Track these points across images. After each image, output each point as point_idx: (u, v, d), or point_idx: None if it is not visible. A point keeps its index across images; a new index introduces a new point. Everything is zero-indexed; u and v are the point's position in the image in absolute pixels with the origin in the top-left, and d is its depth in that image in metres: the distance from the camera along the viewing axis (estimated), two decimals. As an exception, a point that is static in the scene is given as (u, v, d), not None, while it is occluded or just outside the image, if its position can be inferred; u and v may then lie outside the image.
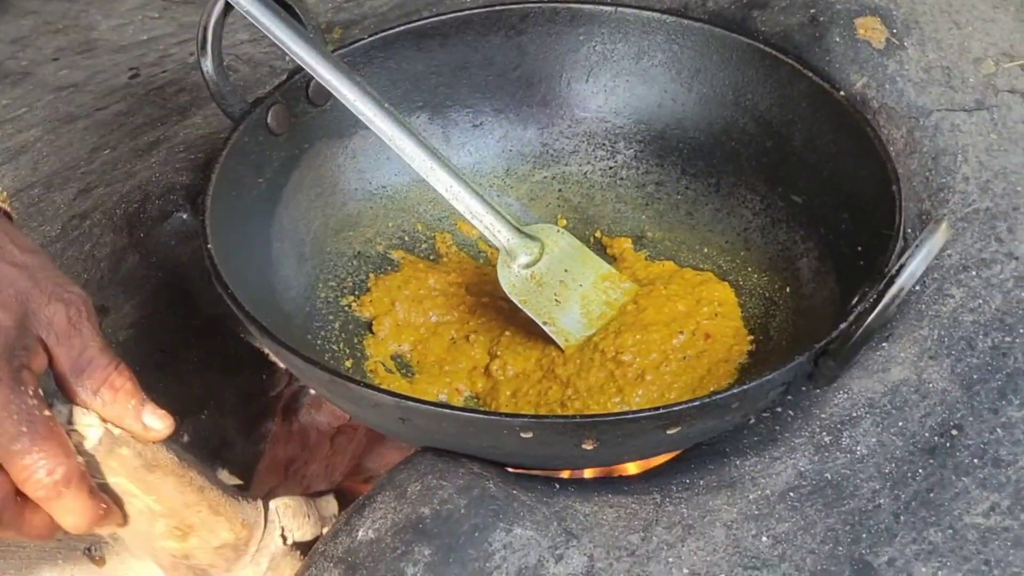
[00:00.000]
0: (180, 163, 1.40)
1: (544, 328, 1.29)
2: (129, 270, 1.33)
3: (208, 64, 1.26)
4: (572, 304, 1.31)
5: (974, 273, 1.25)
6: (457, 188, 1.26)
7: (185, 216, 1.34)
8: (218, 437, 1.37)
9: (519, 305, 1.29)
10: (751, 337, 1.32)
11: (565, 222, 1.48)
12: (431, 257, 1.45)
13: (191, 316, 1.34)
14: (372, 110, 1.24)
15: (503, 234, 1.29)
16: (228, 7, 1.25)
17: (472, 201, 1.26)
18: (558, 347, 1.30)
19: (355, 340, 1.35)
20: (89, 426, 0.98)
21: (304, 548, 1.14)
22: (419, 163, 1.25)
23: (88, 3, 1.85)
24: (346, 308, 1.37)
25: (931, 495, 1.10)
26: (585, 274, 1.33)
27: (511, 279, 1.30)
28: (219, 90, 1.27)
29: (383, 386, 1.29)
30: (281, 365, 1.42)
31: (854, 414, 1.18)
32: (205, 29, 1.26)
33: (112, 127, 1.51)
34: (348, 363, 1.32)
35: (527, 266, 1.30)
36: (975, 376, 1.18)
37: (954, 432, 1.15)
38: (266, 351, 1.39)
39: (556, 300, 1.31)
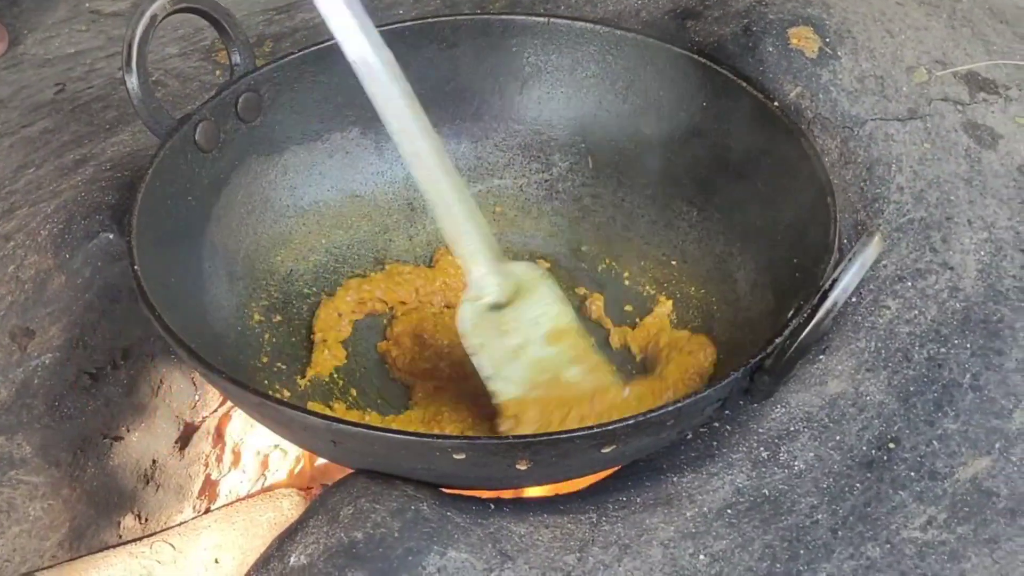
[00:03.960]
0: (106, 181, 1.37)
1: (485, 381, 1.23)
2: (55, 292, 1.30)
3: (133, 80, 1.24)
4: (525, 360, 1.24)
5: (909, 284, 1.25)
6: (450, 199, 1.17)
7: (111, 236, 1.32)
8: (149, 459, 1.35)
9: (470, 352, 1.22)
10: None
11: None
12: (366, 273, 1.43)
13: (119, 338, 1.31)
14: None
15: (480, 265, 1.21)
16: (154, 21, 1.23)
17: (462, 219, 1.18)
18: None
19: (289, 360, 1.33)
20: None
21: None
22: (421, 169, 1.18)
23: (14, 16, 1.82)
24: (279, 327, 1.35)
25: (868, 509, 1.10)
26: (549, 330, 1.24)
27: (472, 318, 1.23)
28: (145, 107, 1.25)
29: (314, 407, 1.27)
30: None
31: (792, 428, 1.17)
32: (130, 45, 1.23)
33: (37, 145, 1.49)
34: (278, 385, 1.30)
35: (493, 308, 1.23)
36: (911, 388, 1.18)
37: (891, 445, 1.14)
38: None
39: (514, 353, 1.23)
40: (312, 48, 1.39)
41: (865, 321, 1.24)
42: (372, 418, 1.30)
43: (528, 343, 1.23)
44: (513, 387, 1.22)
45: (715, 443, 1.18)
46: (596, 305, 1.40)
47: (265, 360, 1.31)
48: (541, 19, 1.44)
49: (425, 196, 1.20)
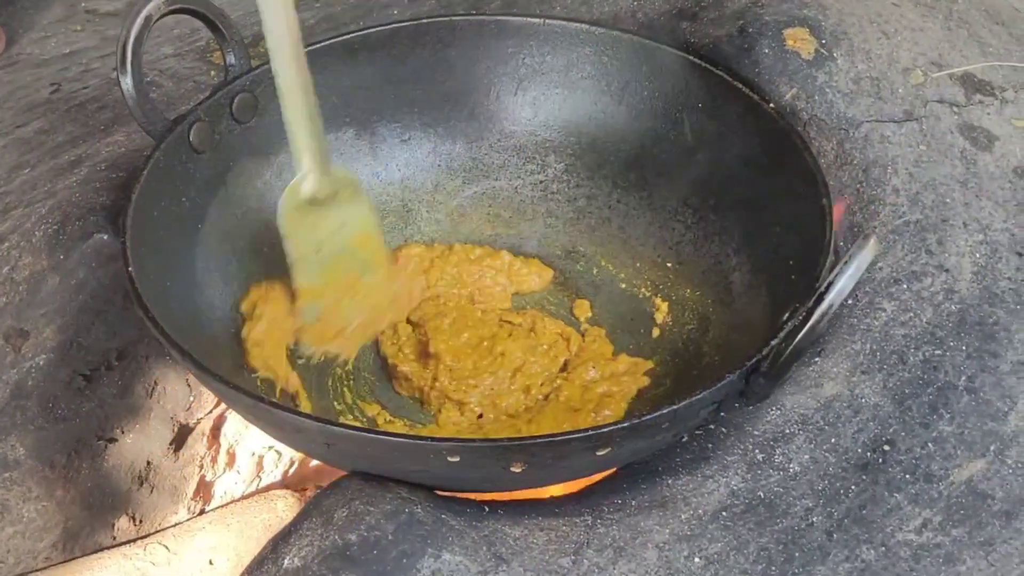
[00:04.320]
0: (101, 182, 1.37)
1: (289, 266, 1.26)
2: (49, 293, 1.30)
3: (128, 81, 1.23)
4: (327, 254, 1.28)
5: (905, 286, 1.25)
6: (298, 94, 1.17)
7: (106, 237, 1.31)
8: (143, 461, 1.34)
9: (282, 235, 1.24)
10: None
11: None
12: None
13: (113, 339, 1.30)
14: None
15: (308, 159, 1.22)
16: (149, 22, 1.22)
17: (304, 114, 1.18)
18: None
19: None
20: None
21: None
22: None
23: (9, 15, 1.81)
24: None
25: (864, 512, 1.10)
26: (355, 234, 1.29)
27: (289, 206, 1.23)
28: (139, 108, 1.25)
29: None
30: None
31: (787, 431, 1.17)
32: (124, 46, 1.23)
33: (32, 145, 1.48)
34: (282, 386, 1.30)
35: (311, 201, 1.24)
36: (907, 390, 1.18)
37: (886, 447, 1.14)
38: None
39: (318, 246, 1.27)
40: (307, 48, 1.36)
41: (860, 323, 1.24)
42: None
43: (332, 241, 1.27)
44: (311, 277, 1.27)
45: (710, 445, 1.18)
46: (582, 309, 1.41)
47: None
48: (536, 20, 1.43)
49: (277, 85, 1.17)
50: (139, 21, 1.23)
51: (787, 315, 1.07)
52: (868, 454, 1.14)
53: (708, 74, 1.36)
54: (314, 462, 1.52)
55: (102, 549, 1.32)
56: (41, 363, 1.27)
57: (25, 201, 1.38)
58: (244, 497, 1.46)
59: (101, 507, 1.32)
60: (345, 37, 1.40)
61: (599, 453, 1.03)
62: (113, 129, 1.49)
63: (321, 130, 1.21)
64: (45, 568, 1.27)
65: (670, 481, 1.15)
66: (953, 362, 1.19)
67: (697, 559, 1.06)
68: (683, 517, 1.10)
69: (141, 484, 1.36)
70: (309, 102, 1.18)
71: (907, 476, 1.12)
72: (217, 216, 1.33)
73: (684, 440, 1.19)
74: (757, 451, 1.16)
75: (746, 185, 1.33)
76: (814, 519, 1.09)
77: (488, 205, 1.48)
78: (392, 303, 1.35)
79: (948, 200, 1.31)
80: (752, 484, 1.13)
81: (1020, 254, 1.28)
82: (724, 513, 1.10)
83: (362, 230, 1.30)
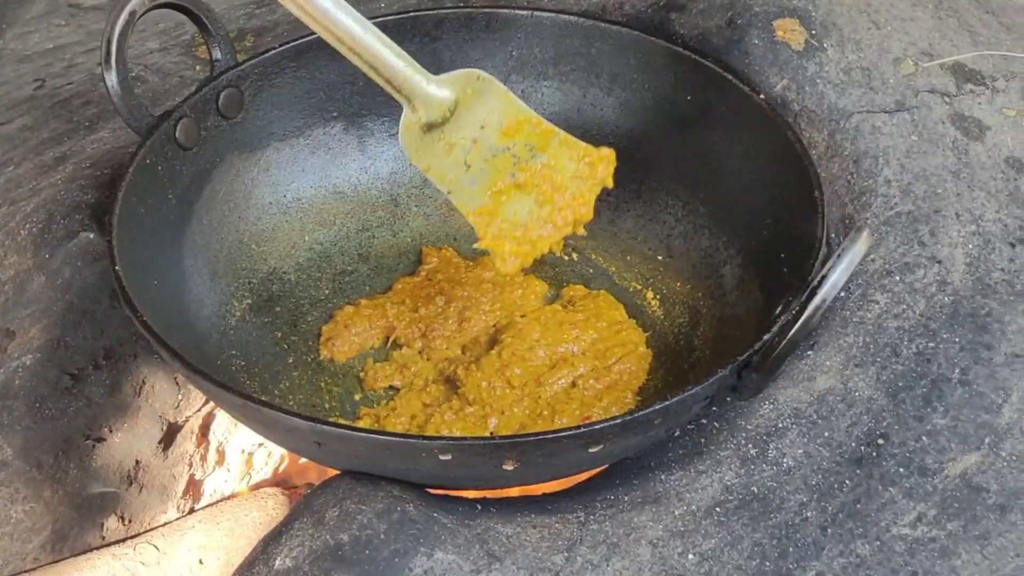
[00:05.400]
0: (86, 180, 1.35)
1: (448, 197, 1.21)
2: (35, 292, 1.28)
3: (112, 77, 1.22)
4: (478, 167, 1.20)
5: (898, 278, 1.24)
6: (354, 30, 1.10)
7: (92, 235, 1.30)
8: (132, 460, 1.34)
9: (423, 171, 1.19)
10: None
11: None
12: (348, 268, 1.42)
13: (100, 338, 1.29)
14: None
15: (407, 84, 1.14)
16: (133, 17, 1.21)
17: (369, 39, 1.11)
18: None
19: (273, 359, 1.32)
20: None
21: None
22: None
23: (-7, 11, 1.80)
24: (263, 326, 1.34)
25: (858, 506, 1.09)
26: (499, 127, 1.20)
27: (413, 139, 1.17)
28: (124, 104, 1.24)
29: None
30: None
31: (780, 425, 1.16)
32: (109, 41, 1.22)
33: (16, 142, 1.47)
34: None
35: (433, 127, 1.17)
36: (900, 383, 1.17)
37: (880, 441, 1.14)
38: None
39: (466, 164, 1.19)
40: (293, 43, 1.38)
41: (853, 316, 1.23)
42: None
43: (479, 149, 1.20)
44: (476, 199, 1.21)
45: (703, 440, 1.17)
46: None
47: (248, 359, 1.30)
48: (524, 12, 1.42)
49: (329, 41, 1.12)
50: (123, 16, 1.22)
51: (779, 309, 1.06)
52: (862, 448, 1.13)
53: (697, 66, 1.35)
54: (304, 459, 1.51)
55: (91, 549, 1.31)
56: (28, 363, 1.26)
57: (9, 199, 1.36)
58: (234, 495, 1.46)
59: (90, 507, 1.31)
60: (332, 31, 1.39)
61: (591, 450, 1.03)
62: (98, 126, 1.48)
63: (400, 52, 1.14)
64: (34, 569, 1.26)
65: (663, 477, 1.14)
66: (946, 354, 1.19)
67: (691, 555, 1.06)
68: (676, 513, 1.10)
69: (130, 483, 1.35)
70: (373, 32, 1.11)
71: (901, 470, 1.11)
72: (204, 213, 1.32)
73: (676, 435, 1.18)
74: (750, 446, 1.15)
75: (736, 177, 1.33)
76: (808, 514, 1.09)
77: (478, 199, 1.47)
78: (577, 177, 1.24)
79: (940, 191, 1.30)
80: (745, 479, 1.12)
81: (1013, 244, 1.27)
82: (718, 509, 1.10)
83: (507, 118, 1.21)
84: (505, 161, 1.21)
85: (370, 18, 1.36)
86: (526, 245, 1.23)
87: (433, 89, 1.16)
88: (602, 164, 1.24)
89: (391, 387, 1.32)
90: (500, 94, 1.20)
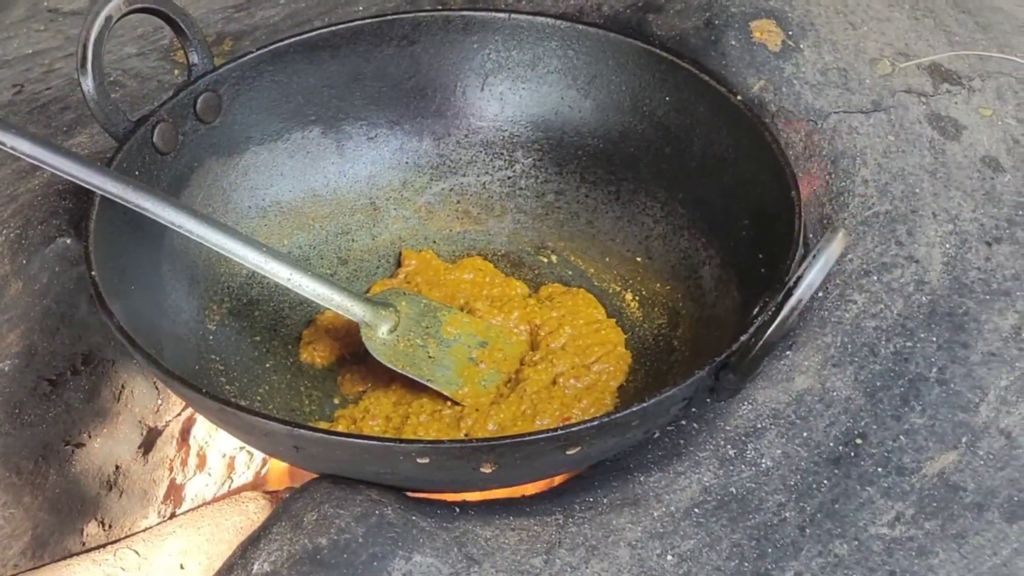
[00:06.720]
0: (64, 185, 1.35)
1: (431, 386, 1.28)
2: (12, 298, 1.28)
3: (89, 83, 1.22)
4: (444, 357, 1.30)
5: (875, 278, 1.25)
6: (298, 277, 1.23)
7: (69, 241, 1.30)
8: (112, 465, 1.33)
9: (400, 371, 1.27)
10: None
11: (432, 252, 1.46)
12: (328, 272, 1.42)
13: (79, 343, 1.29)
14: (186, 218, 1.19)
15: (357, 309, 1.27)
16: (109, 22, 1.21)
17: (316, 286, 1.24)
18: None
19: (253, 363, 1.32)
20: None
21: None
22: (252, 260, 1.22)
23: (-29, 16, 1.80)
24: (241, 330, 1.33)
25: (836, 506, 1.09)
26: (441, 324, 1.32)
27: (380, 348, 1.28)
28: (101, 109, 1.23)
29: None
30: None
31: (759, 425, 1.16)
32: (85, 46, 1.21)
33: (-7, 148, 1.46)
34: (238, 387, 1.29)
35: (391, 332, 1.29)
36: (878, 383, 1.18)
37: (858, 441, 1.14)
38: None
39: (430, 356, 1.29)
40: (271, 47, 1.37)
41: (831, 316, 1.23)
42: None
43: (433, 344, 1.30)
44: (451, 384, 1.28)
45: (682, 442, 1.17)
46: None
47: (227, 364, 1.30)
48: (502, 15, 1.42)
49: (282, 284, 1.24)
50: (99, 21, 1.21)
51: (756, 310, 1.06)
52: (840, 448, 1.14)
53: (675, 67, 1.35)
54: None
55: (71, 555, 1.31)
56: (6, 369, 1.26)
57: (-13, 205, 1.36)
58: (215, 500, 1.45)
59: (70, 513, 1.31)
60: (310, 35, 1.39)
61: (569, 452, 1.03)
62: (76, 131, 1.48)
63: (336, 284, 1.27)
64: (14, 576, 1.26)
65: (642, 478, 1.14)
66: (924, 353, 1.19)
67: (670, 556, 1.06)
68: (655, 515, 1.10)
69: (110, 489, 1.35)
70: (311, 275, 1.24)
71: (879, 469, 1.12)
72: (182, 218, 1.31)
73: (655, 437, 1.18)
74: (729, 447, 1.15)
75: (714, 178, 1.33)
76: (787, 514, 1.09)
77: (456, 202, 1.47)
78: (517, 341, 1.35)
79: (917, 190, 1.30)
80: (724, 480, 1.12)
81: (989, 244, 1.27)
82: (696, 510, 1.10)
83: (443, 318, 1.33)
84: (460, 349, 1.31)
85: (348, 21, 1.39)
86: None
87: (372, 308, 1.28)
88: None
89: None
90: (427, 302, 1.34)
